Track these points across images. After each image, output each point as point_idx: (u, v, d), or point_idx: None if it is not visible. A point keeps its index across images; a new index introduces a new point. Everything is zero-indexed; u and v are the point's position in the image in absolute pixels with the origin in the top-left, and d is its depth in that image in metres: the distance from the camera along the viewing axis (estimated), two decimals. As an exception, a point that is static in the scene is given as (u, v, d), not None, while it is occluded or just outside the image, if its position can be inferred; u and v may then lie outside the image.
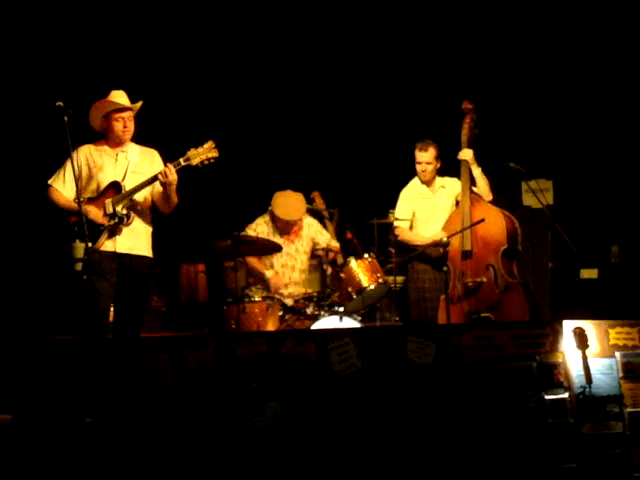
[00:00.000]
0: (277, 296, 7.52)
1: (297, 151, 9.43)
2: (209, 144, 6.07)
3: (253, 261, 7.81)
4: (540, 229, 7.65)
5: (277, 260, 7.84)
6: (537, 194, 7.63)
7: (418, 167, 7.57)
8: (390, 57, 9.31)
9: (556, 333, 5.29)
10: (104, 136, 6.25)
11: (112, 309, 6.37)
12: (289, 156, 9.41)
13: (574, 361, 5.25)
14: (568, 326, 5.30)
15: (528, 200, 9.04)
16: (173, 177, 5.97)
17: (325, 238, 8.00)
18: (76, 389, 5.22)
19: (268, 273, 7.77)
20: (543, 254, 7.61)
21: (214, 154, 6.05)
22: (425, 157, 7.51)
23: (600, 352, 5.31)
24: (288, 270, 7.87)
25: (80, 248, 5.50)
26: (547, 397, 5.20)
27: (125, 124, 6.15)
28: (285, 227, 7.83)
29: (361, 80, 9.39)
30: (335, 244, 8.00)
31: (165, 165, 6.05)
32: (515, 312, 6.99)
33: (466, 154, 7.38)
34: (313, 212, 8.29)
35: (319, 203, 8.50)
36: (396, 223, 7.55)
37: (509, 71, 9.19)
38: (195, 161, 6.02)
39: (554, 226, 7.18)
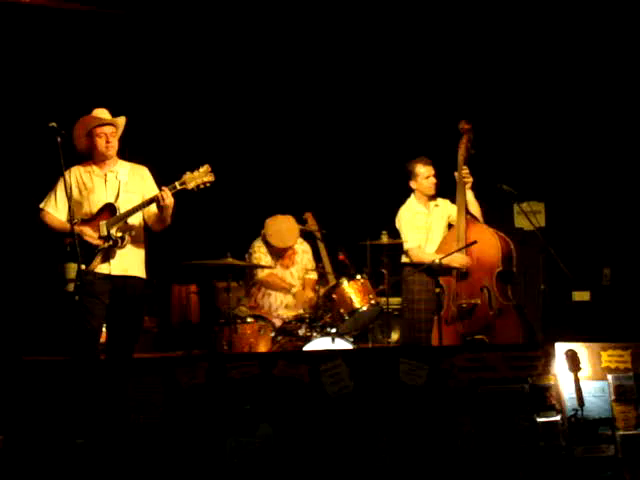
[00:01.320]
0: (268, 317, 7.52)
1: (289, 172, 9.44)
2: (205, 168, 6.04)
3: (276, 279, 7.80)
4: (532, 251, 7.65)
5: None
6: (529, 216, 7.65)
7: (427, 181, 7.52)
8: (383, 79, 9.34)
9: (548, 355, 5.29)
10: (90, 157, 6.20)
11: (105, 330, 6.34)
12: (281, 177, 9.41)
13: (566, 383, 5.25)
14: (560, 348, 5.31)
15: (520, 222, 9.04)
16: (170, 200, 5.97)
17: (312, 266, 8.02)
18: (67, 410, 5.19)
19: (294, 289, 7.78)
20: (535, 276, 7.60)
21: (210, 178, 6.02)
22: (431, 170, 7.53)
23: (592, 375, 5.32)
24: (280, 294, 7.86)
25: (72, 269, 5.50)
26: (539, 419, 5.20)
27: (108, 139, 6.10)
28: (280, 252, 7.84)
29: (354, 101, 9.41)
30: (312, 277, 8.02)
31: (160, 188, 6.04)
32: (509, 334, 6.98)
33: (467, 177, 7.38)
34: (305, 233, 8.29)
35: (311, 224, 8.49)
36: (408, 246, 7.51)
37: (500, 93, 9.23)
38: (191, 185, 5.99)
39: (546, 248, 7.18)
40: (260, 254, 7.83)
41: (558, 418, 5.20)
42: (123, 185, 6.17)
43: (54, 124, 5.56)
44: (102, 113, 6.17)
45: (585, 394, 5.22)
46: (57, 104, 7.95)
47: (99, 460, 5.12)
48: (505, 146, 9.20)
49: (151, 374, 5.21)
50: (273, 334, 7.31)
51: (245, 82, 9.31)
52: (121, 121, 6.22)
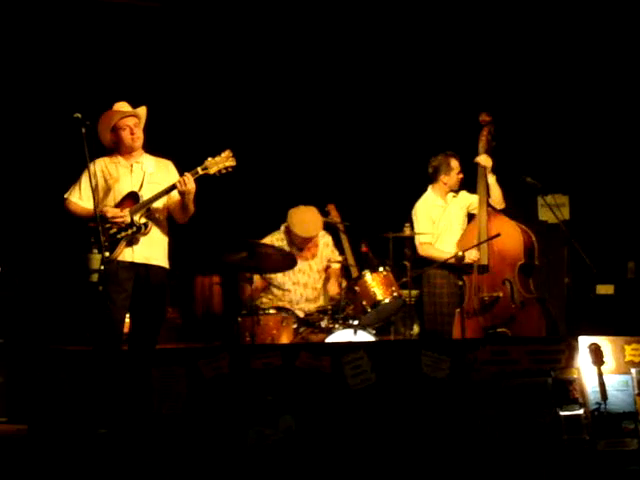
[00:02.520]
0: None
1: (312, 163, 9.43)
2: (226, 153, 6.02)
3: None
4: (556, 244, 7.62)
5: (289, 278, 7.81)
6: (553, 209, 7.61)
7: (458, 177, 7.56)
8: (407, 71, 9.31)
9: (572, 349, 5.28)
10: (116, 150, 6.19)
11: (128, 320, 6.36)
12: (304, 168, 9.41)
13: (589, 377, 5.23)
14: (584, 342, 5.29)
15: (544, 215, 9.00)
16: (191, 186, 5.94)
17: (334, 257, 7.98)
18: (91, 400, 5.22)
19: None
20: (559, 270, 7.56)
21: (231, 163, 6.00)
22: (460, 165, 7.56)
23: (616, 368, 5.30)
24: (300, 287, 7.82)
25: (96, 259, 5.51)
26: (562, 413, 5.19)
27: (132, 131, 6.08)
28: (302, 243, 7.79)
29: (376, 93, 9.39)
30: (338, 257, 7.97)
31: (182, 174, 6.06)
32: (532, 328, 6.95)
33: (486, 160, 7.38)
34: (327, 225, 8.28)
35: (334, 216, 8.47)
36: (420, 240, 7.53)
37: (524, 85, 9.18)
38: (212, 170, 5.97)
39: (570, 241, 7.16)
40: (270, 241, 7.75)
41: (581, 412, 5.19)
42: (148, 176, 6.14)
43: (79, 115, 5.56)
44: (122, 106, 6.15)
45: (608, 388, 5.20)
46: (80, 95, 7.98)
47: (121, 449, 5.14)
48: (529, 138, 9.16)
49: (175, 365, 5.23)
50: (295, 326, 7.31)
51: (267, 73, 9.31)
52: (142, 111, 6.19)
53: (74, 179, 6.19)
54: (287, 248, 7.69)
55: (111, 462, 5.11)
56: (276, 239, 7.78)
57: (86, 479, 5.07)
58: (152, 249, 6.07)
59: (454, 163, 7.55)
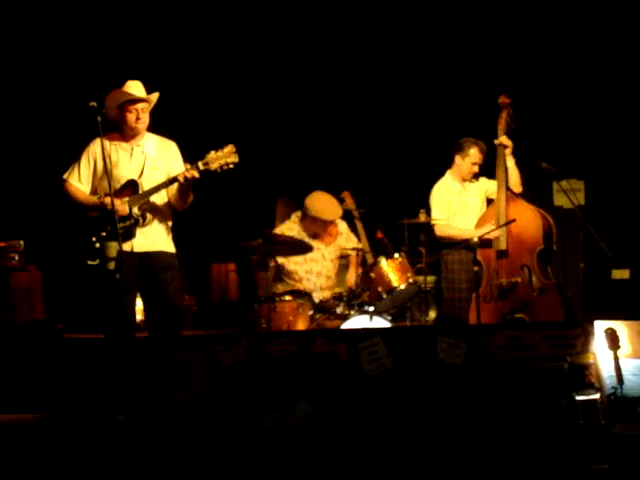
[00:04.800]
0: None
1: (328, 150, 9.44)
2: (229, 148, 5.87)
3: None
4: (572, 229, 7.61)
5: (301, 266, 7.81)
6: (569, 194, 7.60)
7: (473, 167, 7.52)
8: (424, 55, 9.29)
9: (587, 334, 5.27)
10: (118, 128, 6.06)
11: (141, 309, 6.33)
12: (319, 156, 9.41)
13: (605, 362, 5.23)
14: (600, 327, 5.28)
15: (560, 200, 9.00)
16: (194, 177, 5.82)
17: (351, 244, 7.97)
18: (109, 387, 5.25)
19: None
20: (575, 255, 7.57)
21: (234, 159, 5.85)
22: (481, 159, 7.52)
23: (632, 353, 5.31)
24: (313, 276, 7.80)
25: (113, 247, 5.52)
26: (578, 398, 5.18)
27: (138, 115, 5.96)
28: (319, 229, 7.75)
29: (391, 78, 9.38)
30: (355, 244, 7.95)
31: (184, 160, 5.94)
32: (549, 314, 6.93)
33: (506, 141, 7.33)
34: (344, 212, 8.28)
35: (349, 203, 8.48)
36: (434, 221, 7.52)
37: (540, 70, 9.16)
38: (214, 166, 5.82)
39: (586, 226, 7.14)
40: (283, 229, 7.75)
41: (597, 396, 5.18)
42: (149, 160, 6.04)
43: (94, 103, 5.51)
44: (135, 87, 6.01)
45: (624, 372, 5.20)
46: (89, 76, 8.00)
47: (139, 436, 5.18)
48: (545, 124, 9.14)
49: (191, 352, 5.26)
50: (311, 312, 7.33)
51: (280, 59, 9.31)
52: (154, 97, 6.09)
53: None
54: (298, 237, 7.67)
55: (129, 448, 5.15)
56: (286, 228, 7.78)
57: (104, 466, 5.11)
58: (152, 237, 6.02)
59: (473, 151, 7.50)
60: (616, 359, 5.19)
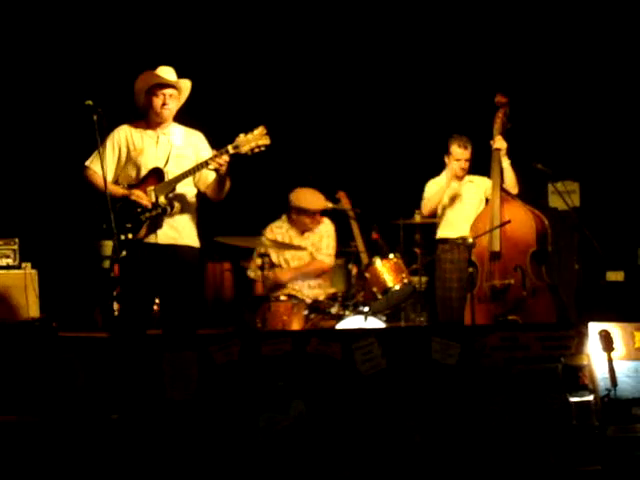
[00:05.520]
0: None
1: (323, 150, 9.43)
2: (260, 130, 5.64)
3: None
4: (566, 231, 7.63)
5: (285, 262, 7.82)
6: (564, 196, 7.61)
7: (457, 164, 7.55)
8: (419, 54, 9.29)
9: (582, 335, 5.28)
10: (143, 116, 5.89)
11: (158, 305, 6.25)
12: (313, 156, 9.41)
13: (599, 363, 5.23)
14: (594, 328, 5.29)
15: (554, 202, 9.00)
16: (225, 161, 5.60)
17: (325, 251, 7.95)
18: (102, 386, 5.25)
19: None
20: (569, 256, 7.59)
21: (265, 141, 5.62)
22: (465, 154, 7.54)
23: (626, 355, 5.30)
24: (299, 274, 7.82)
25: (109, 246, 5.49)
26: (572, 399, 5.19)
27: (165, 101, 5.75)
28: (306, 221, 7.72)
29: (387, 79, 9.38)
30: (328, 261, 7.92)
31: (213, 153, 5.69)
32: (543, 315, 6.93)
33: (501, 143, 7.34)
34: (339, 213, 8.28)
35: (345, 203, 8.48)
36: (422, 202, 7.63)
37: (536, 71, 9.17)
38: (244, 149, 5.59)
39: (580, 228, 7.15)
40: (272, 228, 7.76)
41: (591, 398, 5.19)
42: (175, 148, 5.85)
43: (90, 102, 5.37)
44: (166, 72, 5.84)
45: (618, 374, 5.20)
46: (87, 74, 7.99)
47: (133, 435, 5.17)
48: (540, 125, 9.15)
49: (186, 350, 5.25)
50: (306, 312, 7.33)
51: (275, 60, 9.29)
52: (184, 84, 5.88)
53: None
54: (291, 233, 7.71)
55: (123, 448, 5.14)
56: (276, 226, 7.81)
57: (98, 465, 5.11)
58: (179, 229, 5.84)
59: (455, 149, 7.55)
60: (610, 361, 5.20)
